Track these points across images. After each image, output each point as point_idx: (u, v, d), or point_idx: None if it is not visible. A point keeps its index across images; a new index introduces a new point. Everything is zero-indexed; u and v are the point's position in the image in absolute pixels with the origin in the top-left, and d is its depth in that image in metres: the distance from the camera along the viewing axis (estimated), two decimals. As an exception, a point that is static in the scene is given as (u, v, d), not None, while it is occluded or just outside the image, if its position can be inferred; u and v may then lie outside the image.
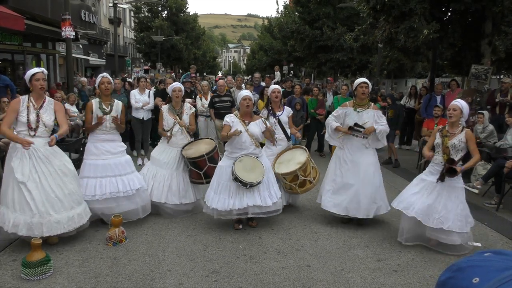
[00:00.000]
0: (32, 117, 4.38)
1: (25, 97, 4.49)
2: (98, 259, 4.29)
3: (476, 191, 7.03)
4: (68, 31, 11.22)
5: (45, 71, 4.59)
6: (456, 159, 4.57)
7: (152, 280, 3.89)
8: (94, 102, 5.24)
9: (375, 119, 5.33)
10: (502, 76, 19.70)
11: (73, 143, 7.38)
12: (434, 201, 4.58)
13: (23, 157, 4.31)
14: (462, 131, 4.65)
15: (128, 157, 5.44)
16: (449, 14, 9.52)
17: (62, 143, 7.73)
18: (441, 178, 4.58)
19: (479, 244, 5.01)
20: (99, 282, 3.81)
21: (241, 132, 4.96)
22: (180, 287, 3.78)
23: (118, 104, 5.32)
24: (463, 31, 9.20)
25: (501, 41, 12.33)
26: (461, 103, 4.66)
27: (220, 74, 58.10)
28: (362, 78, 5.51)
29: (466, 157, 4.78)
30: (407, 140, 11.83)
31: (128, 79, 13.22)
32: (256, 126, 5.15)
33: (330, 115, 5.65)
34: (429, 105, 9.59)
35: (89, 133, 5.34)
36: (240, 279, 3.96)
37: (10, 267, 4.06)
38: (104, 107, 5.18)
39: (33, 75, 4.42)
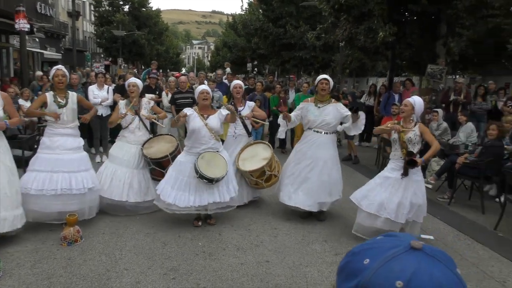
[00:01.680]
0: None
1: None
2: (51, 260, 4.15)
3: (430, 186, 7.31)
4: (22, 24, 10.77)
5: None
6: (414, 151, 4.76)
7: (108, 279, 3.81)
8: (49, 95, 5.05)
9: (338, 111, 5.41)
10: (457, 76, 20.53)
11: (26, 140, 7.11)
12: (401, 198, 4.69)
13: None
14: (415, 125, 4.81)
15: (85, 153, 5.29)
16: (407, 15, 9.82)
17: (15, 140, 7.44)
18: (405, 173, 4.71)
19: (432, 237, 5.21)
20: (52, 283, 3.69)
21: (187, 114, 4.91)
22: (137, 286, 3.72)
23: (73, 96, 5.17)
24: (420, 32, 9.51)
25: (456, 42, 12.84)
26: (414, 100, 4.81)
27: (183, 71, 57.48)
28: (323, 75, 5.61)
29: (425, 152, 4.98)
30: (366, 137, 12.12)
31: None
32: (215, 119, 5.11)
33: (292, 113, 5.73)
34: (387, 103, 9.86)
35: (47, 127, 5.13)
36: (198, 276, 3.94)
37: (-45, 269, 3.87)
38: (59, 100, 5.02)
39: None
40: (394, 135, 4.87)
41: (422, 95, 10.28)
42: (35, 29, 18.05)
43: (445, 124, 8.72)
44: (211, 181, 4.86)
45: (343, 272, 0.79)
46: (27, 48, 13.50)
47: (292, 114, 5.58)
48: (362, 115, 5.39)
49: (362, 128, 5.51)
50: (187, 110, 5.05)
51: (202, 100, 5.09)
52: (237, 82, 6.06)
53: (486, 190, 7.25)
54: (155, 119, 5.64)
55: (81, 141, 5.26)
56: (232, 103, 5.91)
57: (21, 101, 9.69)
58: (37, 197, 4.75)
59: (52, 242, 4.56)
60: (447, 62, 11.09)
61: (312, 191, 5.36)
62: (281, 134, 6.10)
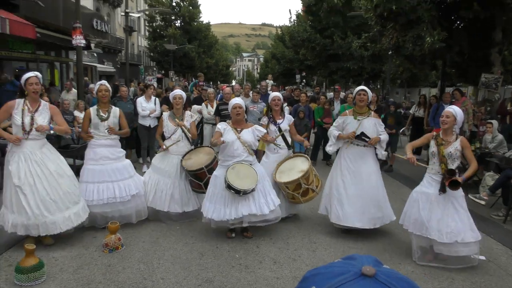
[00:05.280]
0: (27, 120, 4.50)
1: (21, 100, 4.59)
2: (92, 266, 4.28)
3: (483, 202, 6.89)
4: (78, 39, 11.35)
5: (39, 75, 4.68)
6: (453, 167, 4.47)
7: (144, 288, 3.86)
8: (92, 109, 5.33)
9: (376, 127, 5.27)
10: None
11: (77, 150, 7.44)
12: (442, 215, 4.43)
13: (19, 161, 4.44)
14: (457, 138, 4.56)
15: (127, 161, 5.50)
16: (457, 22, 9.39)
17: (67, 150, 7.82)
18: (443, 190, 4.46)
19: (484, 258, 4.86)
20: (91, 289, 3.79)
21: (223, 142, 4.95)
22: (172, 296, 3.74)
23: (115, 111, 5.40)
24: (471, 39, 9.06)
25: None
26: (455, 110, 4.58)
27: (234, 83, 58.43)
28: (361, 86, 5.49)
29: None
30: (416, 150, 11.65)
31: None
32: (249, 133, 5.10)
33: (331, 126, 5.63)
34: (437, 114, 9.44)
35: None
36: (233, 288, 3.91)
37: (5, 272, 4.08)
38: (102, 114, 5.26)
39: (27, 79, 4.54)
40: (433, 148, 4.62)
41: (477, 105, 9.79)
42: (92, 45, 18.98)
43: (500, 136, 8.21)
44: (238, 192, 4.84)
45: None
46: (83, 62, 14.21)
47: (334, 129, 5.45)
48: (384, 136, 5.23)
49: (381, 154, 5.33)
50: (222, 125, 5.11)
51: (236, 115, 5.12)
52: (276, 94, 5.97)
53: (546, 207, 6.72)
54: (185, 127, 5.68)
55: (122, 151, 5.49)
56: (271, 115, 5.86)
57: (76, 113, 10.19)
58: (89, 207, 5.06)
59: (94, 249, 4.72)
60: (504, 71, 10.49)
61: (361, 207, 5.16)
62: (331, 150, 5.61)
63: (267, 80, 17.11)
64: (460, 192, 4.49)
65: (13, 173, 4.39)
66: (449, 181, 4.34)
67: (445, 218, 4.41)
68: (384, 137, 5.25)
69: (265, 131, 5.25)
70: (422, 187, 4.71)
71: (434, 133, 4.76)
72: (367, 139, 5.16)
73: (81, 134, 5.56)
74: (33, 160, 4.47)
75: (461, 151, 4.51)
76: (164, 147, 5.68)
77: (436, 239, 4.39)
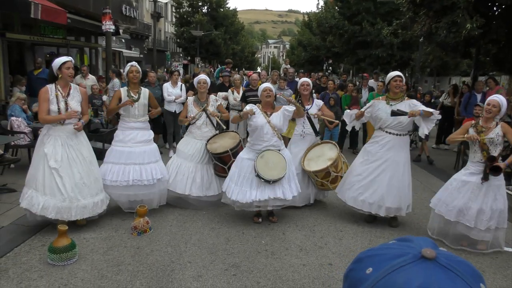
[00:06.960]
0: (62, 105, 4.56)
1: (52, 86, 4.63)
2: (122, 248, 4.37)
3: (516, 194, 6.68)
4: (108, 25, 11.51)
5: (73, 60, 4.74)
6: (495, 154, 4.43)
7: (172, 271, 3.92)
8: (123, 90, 5.38)
9: (410, 107, 5.09)
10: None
11: (106, 134, 7.58)
12: (481, 204, 4.47)
13: (56, 144, 4.52)
14: (497, 125, 4.50)
15: (155, 145, 5.53)
16: (494, 8, 9.00)
17: (96, 134, 7.98)
18: (485, 178, 4.45)
19: (515, 250, 4.75)
20: (121, 271, 3.87)
21: (254, 112, 4.94)
22: (199, 279, 3.79)
23: (145, 92, 5.44)
24: (508, 26, 8.68)
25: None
26: (500, 99, 4.50)
27: (259, 69, 58.15)
28: (396, 72, 5.31)
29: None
30: (445, 139, 11.37)
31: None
32: (278, 117, 5.06)
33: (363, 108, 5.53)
34: (469, 103, 9.18)
35: (120, 121, 5.45)
36: (259, 274, 3.92)
37: (38, 251, 4.21)
38: (132, 94, 5.31)
39: (64, 63, 4.58)
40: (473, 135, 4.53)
41: (510, 95, 9.44)
42: (121, 31, 19.17)
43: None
44: (267, 182, 4.88)
45: (347, 281, 0.70)
46: (112, 48, 14.39)
47: (364, 109, 5.35)
48: (435, 112, 5.02)
49: (432, 124, 5.11)
50: (251, 106, 5.07)
51: (265, 97, 5.09)
52: (305, 79, 5.96)
53: None
54: (218, 118, 5.69)
55: (151, 134, 5.52)
56: (300, 101, 5.81)
57: (104, 98, 10.38)
58: (112, 188, 5.13)
59: (123, 231, 4.81)
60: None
61: (379, 195, 5.09)
62: (349, 127, 5.63)
63: (284, 65, 17.01)
64: (500, 180, 4.49)
65: (49, 155, 4.46)
66: (490, 167, 4.33)
67: (483, 207, 4.46)
68: (424, 107, 4.96)
69: (294, 108, 5.15)
70: (463, 175, 4.67)
71: (473, 121, 4.69)
72: (404, 113, 4.93)
73: (108, 109, 5.67)
74: (69, 145, 4.57)
75: (502, 136, 4.44)
76: (192, 121, 5.70)
77: (473, 227, 4.47)
